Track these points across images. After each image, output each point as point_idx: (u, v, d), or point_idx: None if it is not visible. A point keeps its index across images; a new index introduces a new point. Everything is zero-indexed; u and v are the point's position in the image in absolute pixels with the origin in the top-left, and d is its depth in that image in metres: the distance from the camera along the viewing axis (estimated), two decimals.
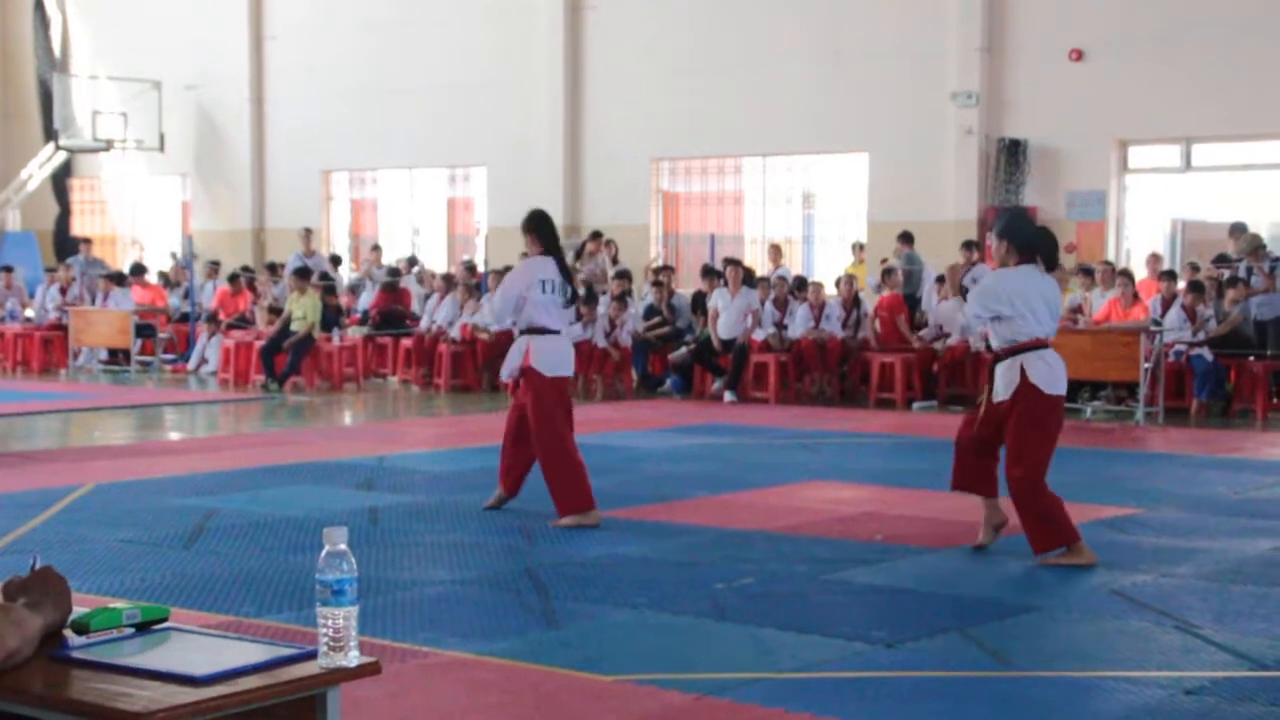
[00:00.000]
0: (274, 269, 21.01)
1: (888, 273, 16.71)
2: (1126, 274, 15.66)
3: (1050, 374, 7.39)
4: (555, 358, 8.45)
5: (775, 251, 19.16)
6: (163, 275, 22.81)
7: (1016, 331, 7.38)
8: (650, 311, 17.78)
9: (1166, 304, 15.20)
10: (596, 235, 19.92)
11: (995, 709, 5.01)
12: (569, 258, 19.36)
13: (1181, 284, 15.50)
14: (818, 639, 5.87)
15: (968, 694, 5.18)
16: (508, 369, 8.61)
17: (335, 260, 22.50)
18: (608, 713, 4.95)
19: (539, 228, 8.70)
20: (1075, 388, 14.94)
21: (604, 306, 17.30)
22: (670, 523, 8.49)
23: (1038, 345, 7.41)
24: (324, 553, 2.69)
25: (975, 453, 7.57)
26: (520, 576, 7.03)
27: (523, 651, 5.67)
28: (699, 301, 17.59)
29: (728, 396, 16.04)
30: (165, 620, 2.93)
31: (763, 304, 16.65)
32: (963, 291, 16.11)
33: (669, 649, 5.77)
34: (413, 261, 21.66)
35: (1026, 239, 7.57)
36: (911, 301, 16.86)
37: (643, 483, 10.03)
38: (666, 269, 18.93)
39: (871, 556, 7.50)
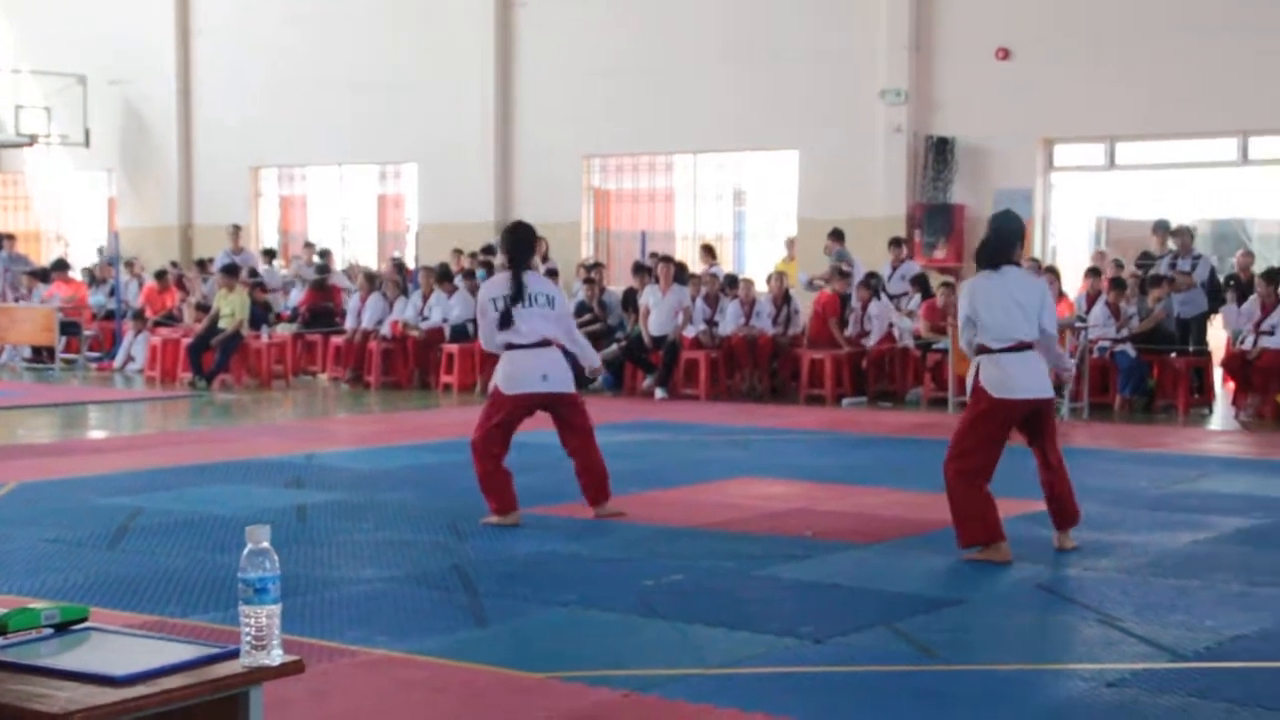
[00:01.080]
0: (204, 266, 20.82)
1: (842, 274, 16.76)
2: (1053, 271, 15.83)
3: (1000, 377, 7.30)
4: (507, 372, 8.32)
5: (708, 252, 19.18)
6: (87, 271, 22.54)
7: (982, 337, 7.37)
8: (581, 308, 17.77)
9: (1091, 301, 15.39)
10: None
11: (921, 702, 5.06)
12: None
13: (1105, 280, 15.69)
14: (746, 635, 5.90)
15: (894, 688, 5.22)
16: None
17: (270, 254, 22.25)
18: (536, 710, 4.95)
19: (502, 243, 8.59)
20: None
21: None
22: (599, 520, 8.50)
23: (1001, 350, 7.33)
24: (246, 551, 2.68)
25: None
26: (449, 574, 7.01)
27: (451, 649, 5.66)
28: (630, 298, 17.61)
29: (659, 393, 16.07)
30: (85, 620, 2.90)
31: (694, 301, 16.70)
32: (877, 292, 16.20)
33: (598, 646, 5.77)
34: (324, 255, 21.18)
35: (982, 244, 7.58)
36: (842, 298, 16.96)
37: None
38: (598, 266, 18.93)
39: (800, 552, 7.54)
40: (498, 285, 8.41)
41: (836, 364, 15.89)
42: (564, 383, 8.44)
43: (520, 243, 8.54)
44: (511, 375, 8.31)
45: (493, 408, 8.41)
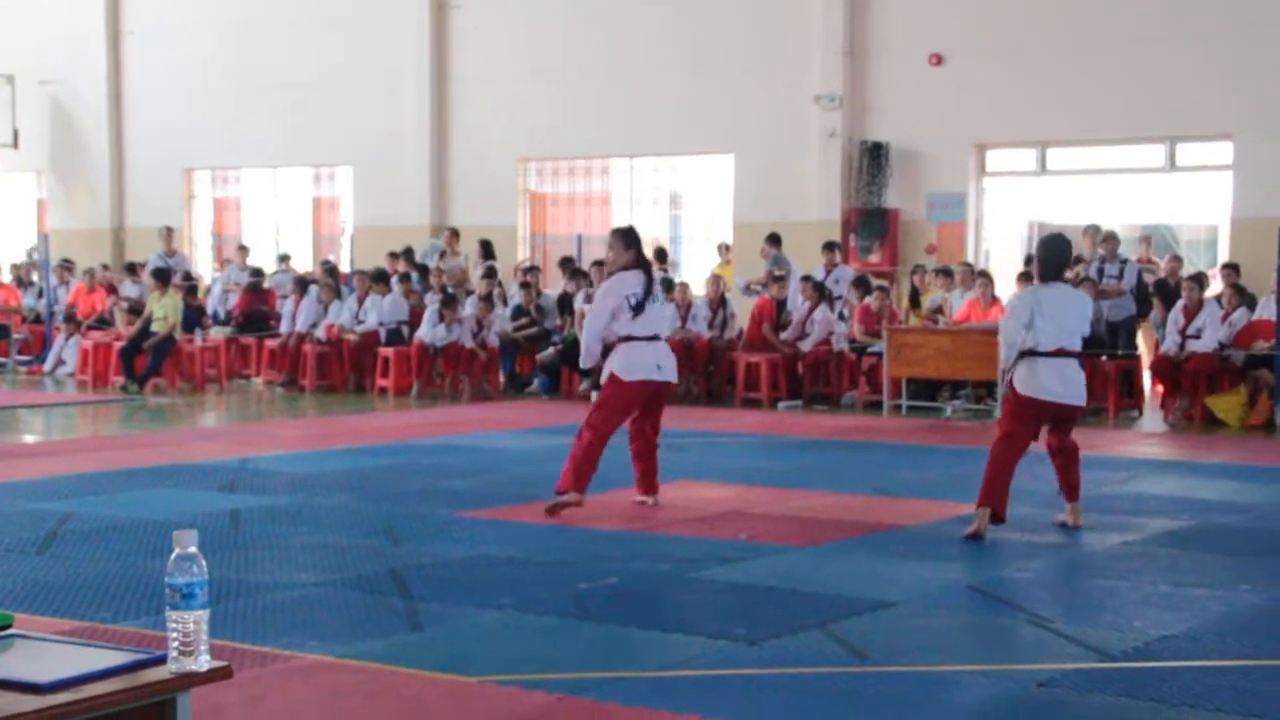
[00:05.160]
0: (133, 269, 20.59)
1: (777, 277, 16.82)
2: (985, 275, 15.99)
3: (1026, 376, 8.12)
4: (628, 360, 8.97)
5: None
6: (14, 274, 22.25)
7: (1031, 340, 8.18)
8: (517, 311, 17.76)
9: None
10: (453, 233, 19.89)
11: (854, 704, 5.09)
12: (433, 259, 19.34)
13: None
14: (681, 637, 5.91)
15: (827, 690, 5.25)
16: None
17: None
18: (470, 714, 4.94)
19: (620, 242, 9.17)
20: (936, 387, 15.25)
21: (471, 307, 17.24)
22: (536, 523, 8.50)
23: (1029, 353, 8.16)
24: (173, 556, 2.66)
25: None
26: (384, 578, 6.98)
27: (385, 654, 5.64)
28: (566, 302, 17.60)
29: (595, 396, 16.04)
30: (9, 627, 2.87)
31: None
32: (826, 295, 16.36)
33: (533, 649, 5.77)
34: (258, 273, 20.67)
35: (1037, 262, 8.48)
36: (778, 303, 17.03)
37: (509, 483, 10.02)
38: (534, 269, 18.92)
39: (735, 555, 7.57)
40: (630, 283, 9.01)
41: (772, 367, 15.95)
42: (674, 373, 9.20)
43: (634, 242, 9.19)
44: (633, 363, 8.97)
45: (611, 393, 9.05)
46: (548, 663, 5.54)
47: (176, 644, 2.63)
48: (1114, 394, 14.70)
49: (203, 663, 2.66)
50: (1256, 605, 6.56)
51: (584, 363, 9.57)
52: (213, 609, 6.34)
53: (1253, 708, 4.98)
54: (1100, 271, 15.74)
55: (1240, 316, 14.44)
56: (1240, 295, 14.60)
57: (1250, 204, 16.72)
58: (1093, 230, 16.75)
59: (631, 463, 9.25)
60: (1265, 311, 14.44)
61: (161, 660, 2.65)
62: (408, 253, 19.49)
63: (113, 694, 2.52)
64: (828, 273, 17.29)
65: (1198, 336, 14.30)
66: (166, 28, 23.84)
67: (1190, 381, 14.26)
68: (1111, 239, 16.07)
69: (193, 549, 2.67)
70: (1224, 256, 17.10)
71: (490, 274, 18.12)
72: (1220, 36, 16.79)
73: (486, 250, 19.43)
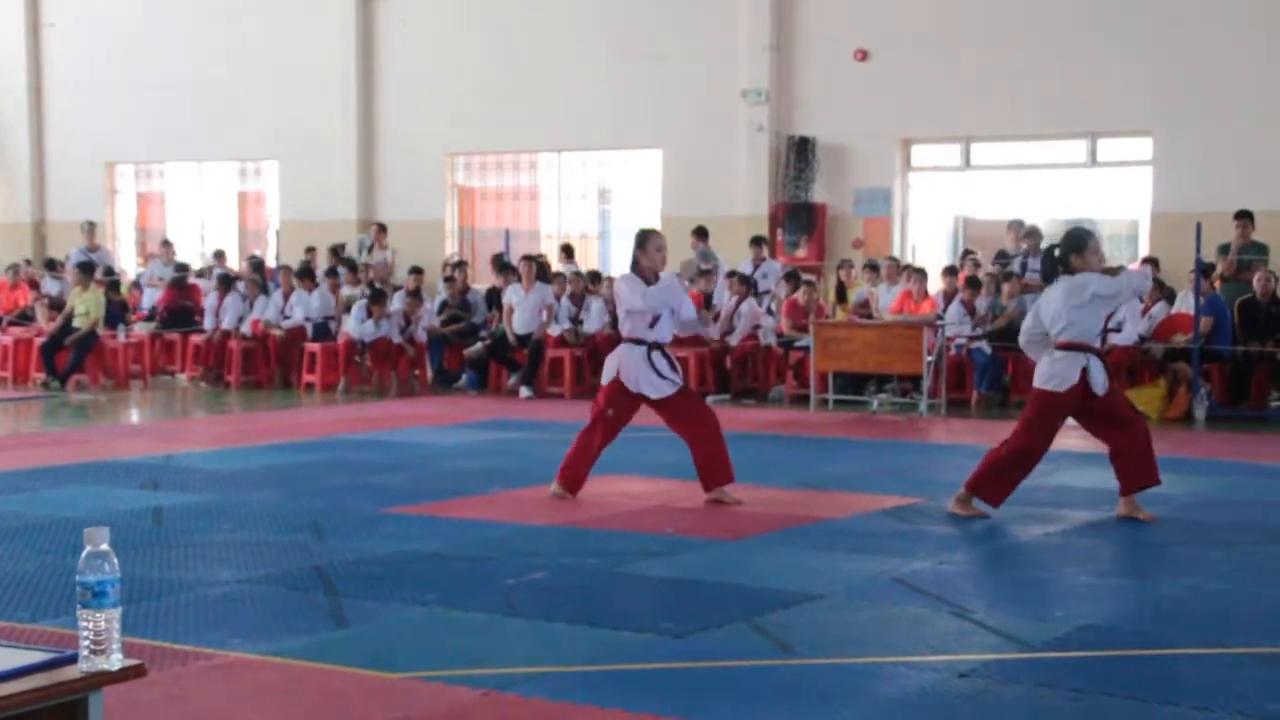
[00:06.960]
0: (54, 264, 20.33)
1: (703, 271, 16.84)
2: (919, 271, 16.10)
3: (1046, 371, 8.45)
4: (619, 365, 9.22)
5: (566, 253, 19.19)
6: None
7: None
8: (444, 307, 17.69)
9: (948, 299, 15.67)
10: (380, 228, 19.82)
11: (779, 696, 5.11)
12: (360, 254, 19.24)
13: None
14: (607, 632, 5.92)
15: (753, 682, 5.28)
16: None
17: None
18: (393, 711, 4.92)
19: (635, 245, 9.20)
20: (862, 381, 15.35)
21: (399, 302, 17.16)
22: (463, 518, 8.47)
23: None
24: (85, 553, 2.63)
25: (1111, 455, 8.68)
26: (309, 575, 6.94)
27: (309, 651, 5.60)
28: (494, 297, 17.56)
29: (523, 392, 16.05)
30: None
31: (558, 299, 16.69)
32: (750, 287, 16.40)
33: (459, 645, 5.75)
34: (182, 268, 20.48)
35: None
36: (706, 296, 17.07)
37: (436, 478, 9.99)
38: (461, 264, 18.85)
39: (662, 549, 7.58)
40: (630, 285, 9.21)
41: (700, 361, 15.99)
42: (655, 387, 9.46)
43: (639, 245, 9.23)
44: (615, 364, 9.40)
45: (605, 395, 9.37)
46: (474, 658, 5.52)
47: (88, 643, 2.61)
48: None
49: (115, 661, 2.64)
50: (1172, 595, 6.66)
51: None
52: (134, 607, 6.29)
53: (1168, 696, 5.05)
54: (1024, 266, 15.91)
55: (1160, 310, 14.64)
56: (1160, 289, 14.80)
57: (1169, 199, 16.95)
58: (1016, 225, 16.94)
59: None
60: (1184, 305, 14.64)
61: (73, 659, 2.63)
62: (337, 249, 19.39)
63: (22, 694, 2.50)
64: (755, 267, 17.36)
65: (1118, 330, 14.47)
66: (87, 20, 23.52)
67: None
68: (1034, 234, 16.25)
69: (104, 546, 2.64)
70: (1144, 251, 17.33)
71: (417, 270, 18.03)
72: (1141, 34, 17.01)
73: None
